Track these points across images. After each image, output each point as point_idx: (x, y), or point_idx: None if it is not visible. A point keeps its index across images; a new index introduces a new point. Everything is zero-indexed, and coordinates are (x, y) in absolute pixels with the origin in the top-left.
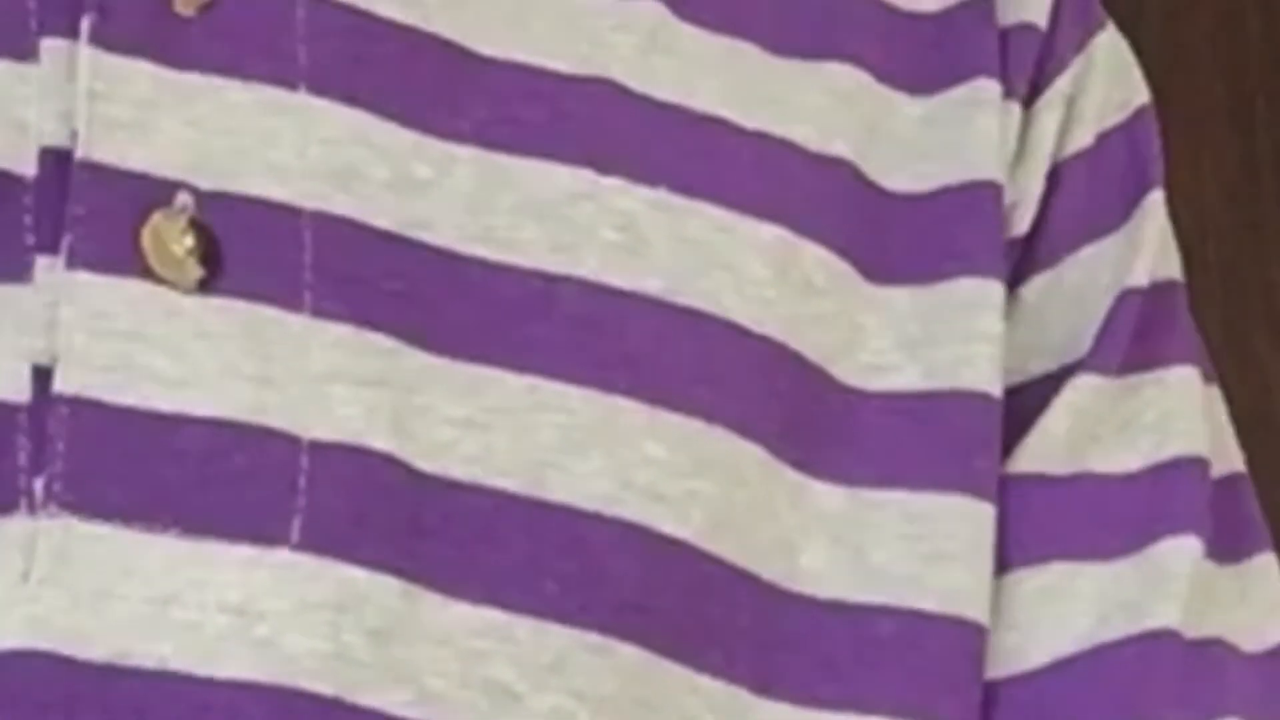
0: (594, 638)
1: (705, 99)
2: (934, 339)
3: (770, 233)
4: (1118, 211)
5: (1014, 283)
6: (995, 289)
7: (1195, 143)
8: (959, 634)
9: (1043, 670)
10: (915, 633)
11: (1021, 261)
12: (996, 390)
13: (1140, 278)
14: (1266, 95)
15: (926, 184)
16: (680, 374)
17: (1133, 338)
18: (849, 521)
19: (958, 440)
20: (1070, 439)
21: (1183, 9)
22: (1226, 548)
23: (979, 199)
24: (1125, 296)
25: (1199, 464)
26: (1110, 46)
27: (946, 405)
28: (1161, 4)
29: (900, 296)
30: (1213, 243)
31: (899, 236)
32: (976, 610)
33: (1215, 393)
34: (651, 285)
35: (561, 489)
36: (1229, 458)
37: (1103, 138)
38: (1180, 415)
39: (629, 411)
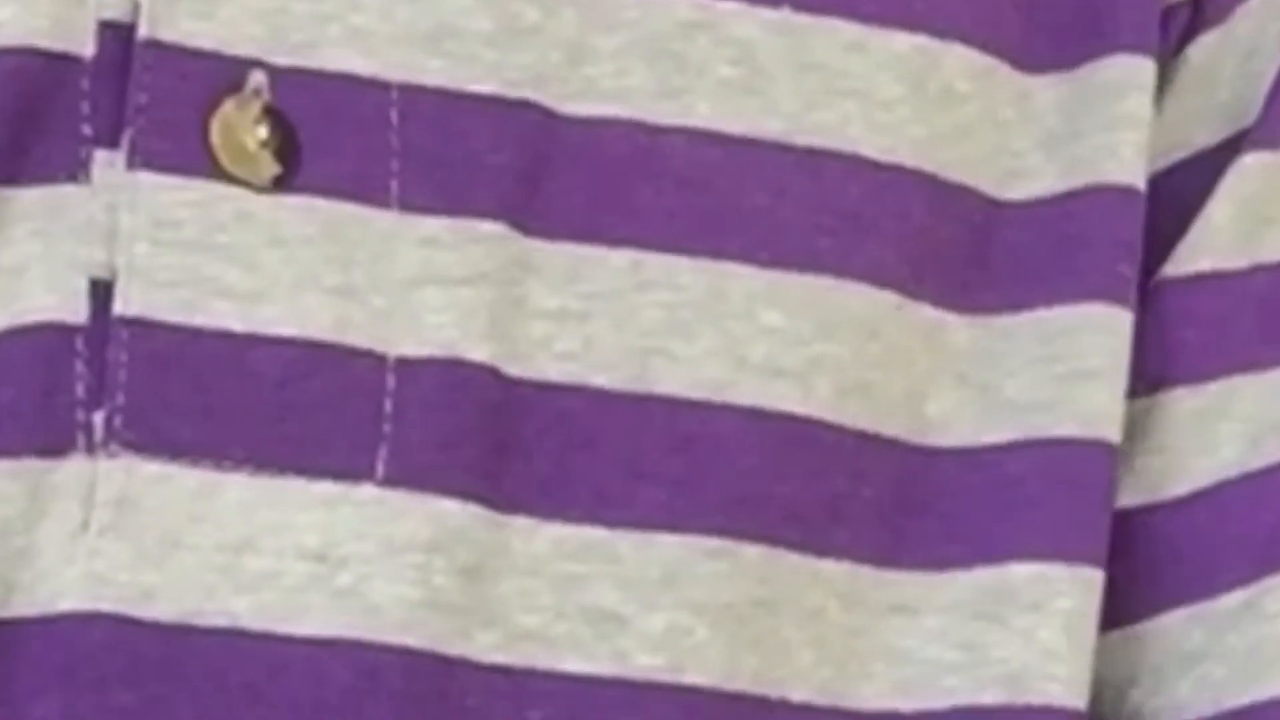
0: (712, 542)
1: None
2: (1076, 131)
3: (907, 43)
4: None
5: (1180, 46)
6: (1146, 67)
7: None
8: (1097, 459)
9: (1185, 500)
10: (1049, 464)
11: (1190, 21)
12: (1140, 182)
13: None
14: None
15: None
16: (801, 227)
17: None
18: (977, 356)
19: (1097, 242)
20: (1238, 227)
21: None
22: None
23: None
24: None
25: None
26: None
27: (1085, 204)
28: None
29: (1043, 86)
30: None
31: (1045, 14)
32: (1112, 430)
33: None
34: (770, 127)
35: (666, 379)
36: None
37: None
38: None
39: (743, 278)
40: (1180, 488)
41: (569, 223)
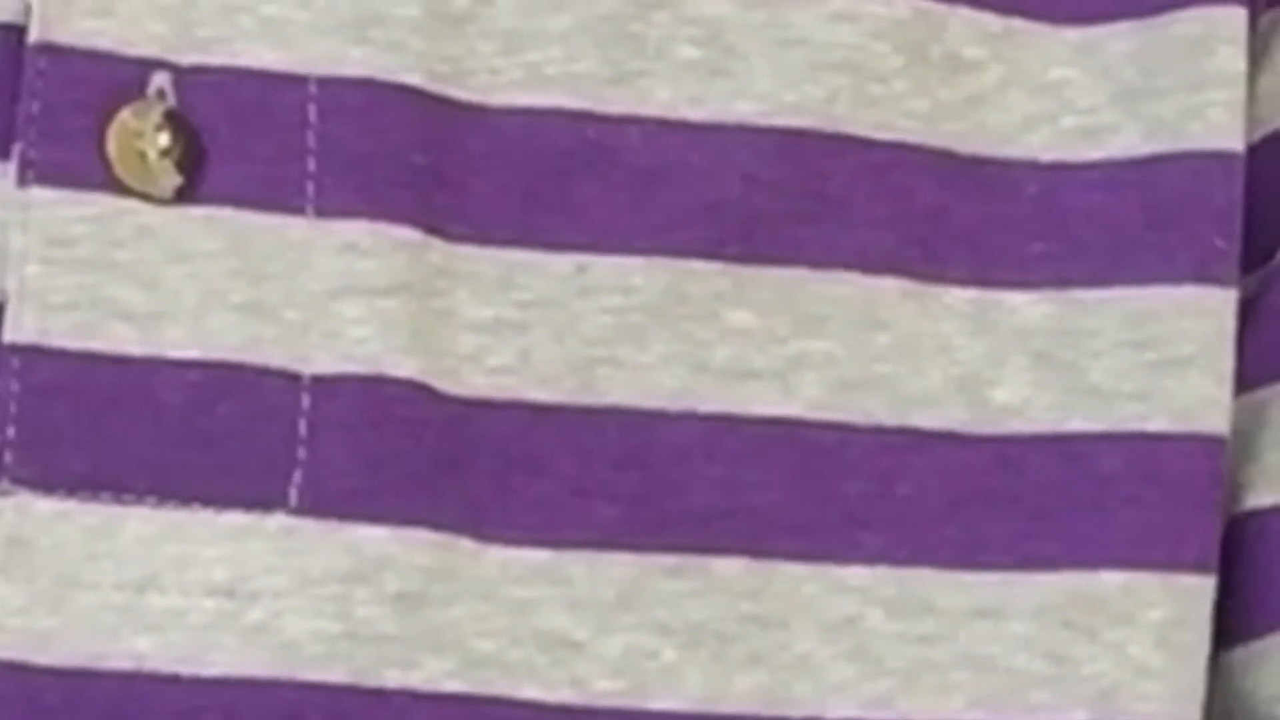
0: (670, 559)
1: None
2: (1157, 89)
3: (906, 7)
4: None
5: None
6: (1235, 15)
7: None
8: (1196, 455)
9: None
10: (1141, 462)
11: None
12: (1236, 144)
13: None
14: None
15: None
16: (774, 216)
17: None
18: (1057, 333)
19: (1188, 215)
20: None
21: None
22: None
23: None
24: None
25: None
26: None
27: (1173, 171)
28: None
29: (1112, 36)
30: None
31: None
32: (1215, 421)
33: None
34: (741, 110)
35: (615, 389)
36: None
37: None
38: None
39: (704, 276)
40: None
41: (501, 227)
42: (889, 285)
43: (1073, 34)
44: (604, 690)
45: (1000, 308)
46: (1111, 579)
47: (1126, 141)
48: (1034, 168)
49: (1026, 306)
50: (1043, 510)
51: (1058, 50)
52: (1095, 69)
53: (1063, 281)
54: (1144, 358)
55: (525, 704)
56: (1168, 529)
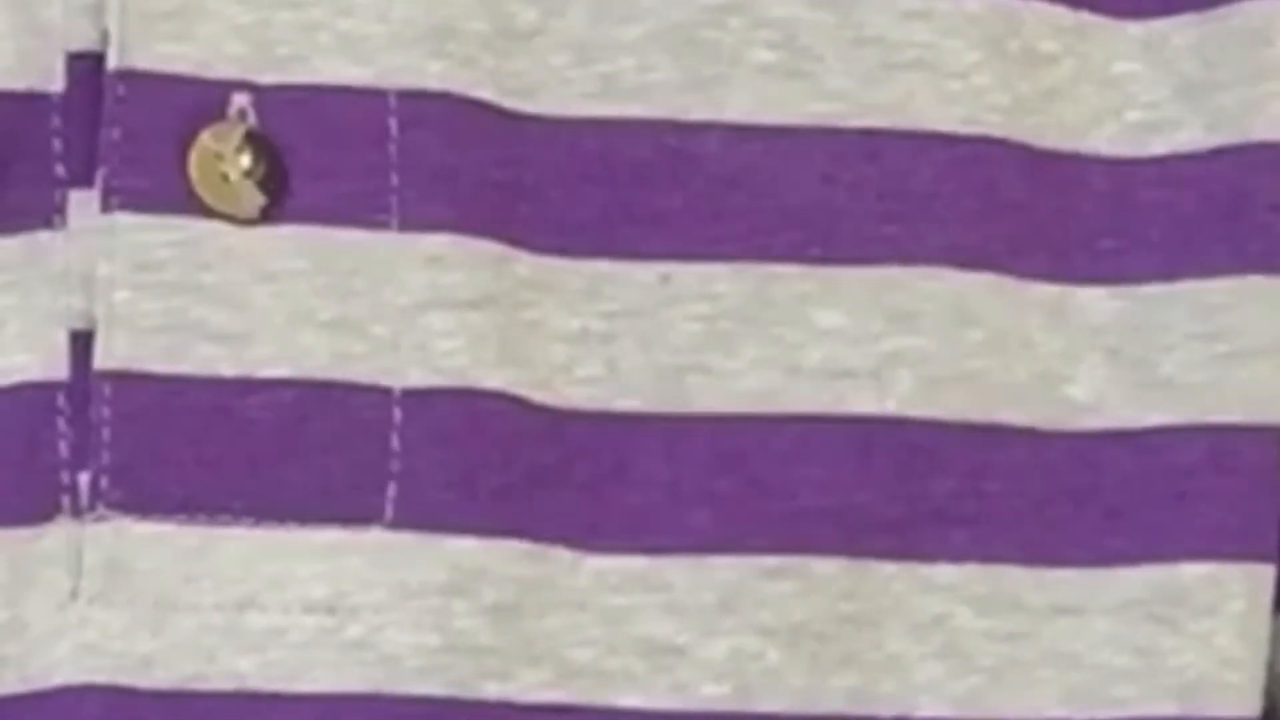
0: (771, 561)
1: None
2: (1218, 81)
3: (980, 3)
4: None
5: None
6: None
7: None
8: (1267, 446)
9: None
10: (1217, 453)
11: None
12: None
13: None
14: None
15: None
16: (858, 217)
17: None
18: (1128, 328)
19: (1254, 206)
20: None
21: None
22: None
23: None
24: None
25: None
26: None
27: (1237, 163)
28: None
29: (1174, 29)
30: None
31: None
32: None
33: None
34: (818, 111)
35: (705, 396)
36: None
37: None
38: None
39: (790, 279)
40: None
41: (584, 238)
42: (979, 280)
43: (1136, 28)
44: (710, 695)
45: (1074, 303)
46: (1193, 571)
47: (1189, 136)
48: (1101, 162)
49: (1098, 302)
50: (1121, 506)
51: (1121, 44)
52: (1158, 62)
53: (1132, 277)
54: (1214, 350)
55: (627, 712)
56: (1244, 519)
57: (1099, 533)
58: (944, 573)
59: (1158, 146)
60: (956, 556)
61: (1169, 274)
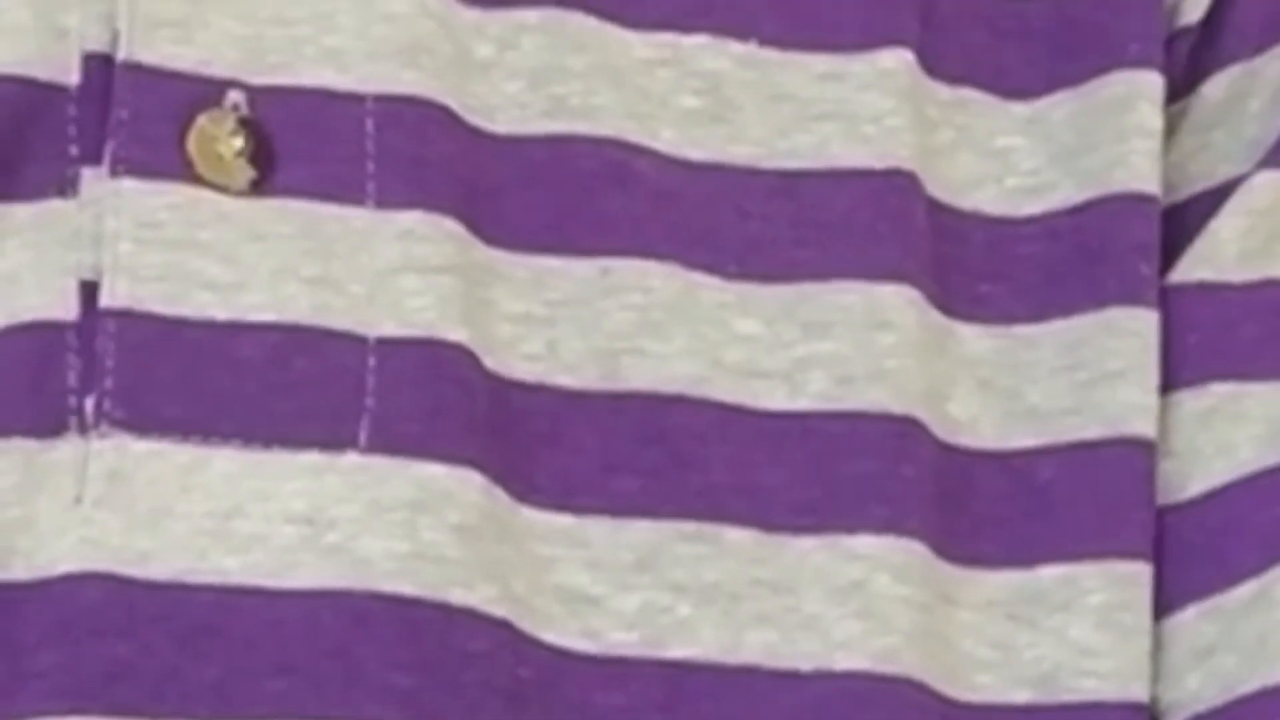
0: (688, 526)
1: None
2: (1088, 145)
3: (894, 58)
4: None
5: (1193, 75)
6: (1153, 80)
7: None
8: (1126, 456)
9: (1200, 500)
10: (1078, 467)
11: (1200, 47)
12: (1154, 188)
13: None
14: None
15: None
16: (773, 243)
17: None
18: (999, 365)
19: (1115, 248)
20: (1246, 242)
21: None
22: None
23: None
24: None
25: None
26: None
27: (1101, 213)
28: None
29: (1052, 107)
30: None
31: (1039, 40)
32: (1144, 425)
33: None
34: (738, 153)
35: (638, 376)
36: None
37: None
38: None
39: (711, 288)
40: (1192, 489)
41: (532, 237)
42: (891, 290)
43: (1020, 107)
44: (618, 640)
45: (957, 336)
46: (1050, 572)
47: (1063, 195)
48: (981, 220)
49: (974, 340)
50: (988, 516)
51: (1005, 121)
52: (1039, 136)
53: (1006, 319)
54: (1076, 378)
55: (548, 647)
56: (1102, 523)
57: (968, 538)
58: (864, 544)
59: (1034, 207)
60: (873, 530)
61: (1039, 316)
